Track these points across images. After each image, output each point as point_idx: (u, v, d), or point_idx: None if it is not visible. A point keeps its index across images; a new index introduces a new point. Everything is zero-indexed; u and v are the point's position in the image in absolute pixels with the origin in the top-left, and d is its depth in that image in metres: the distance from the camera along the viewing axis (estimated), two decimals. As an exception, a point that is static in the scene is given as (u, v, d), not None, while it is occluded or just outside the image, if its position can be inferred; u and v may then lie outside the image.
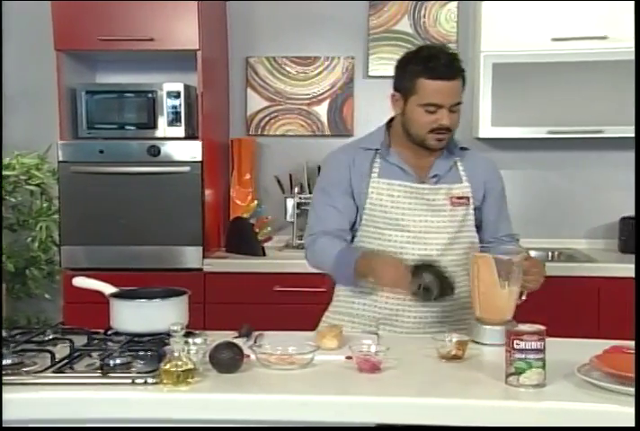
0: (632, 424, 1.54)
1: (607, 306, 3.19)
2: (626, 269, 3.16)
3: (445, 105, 2.09)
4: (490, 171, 2.31)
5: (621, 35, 3.28)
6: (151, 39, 3.29)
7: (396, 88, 2.18)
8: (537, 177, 3.76)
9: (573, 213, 3.76)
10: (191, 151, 3.31)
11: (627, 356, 1.76)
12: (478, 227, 2.28)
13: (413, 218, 2.18)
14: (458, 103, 2.13)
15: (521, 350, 1.63)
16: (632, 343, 1.83)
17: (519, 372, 1.63)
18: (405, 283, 2.01)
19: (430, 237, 2.18)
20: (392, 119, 2.28)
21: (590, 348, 1.79)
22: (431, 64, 2.07)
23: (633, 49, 3.24)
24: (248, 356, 1.79)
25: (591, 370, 1.66)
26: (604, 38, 3.28)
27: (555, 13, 3.32)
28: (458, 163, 2.26)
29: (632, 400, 1.55)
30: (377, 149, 2.22)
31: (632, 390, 1.56)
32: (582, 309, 3.19)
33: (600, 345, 1.87)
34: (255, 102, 3.78)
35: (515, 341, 1.63)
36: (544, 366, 1.64)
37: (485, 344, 1.98)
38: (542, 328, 1.66)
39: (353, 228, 2.24)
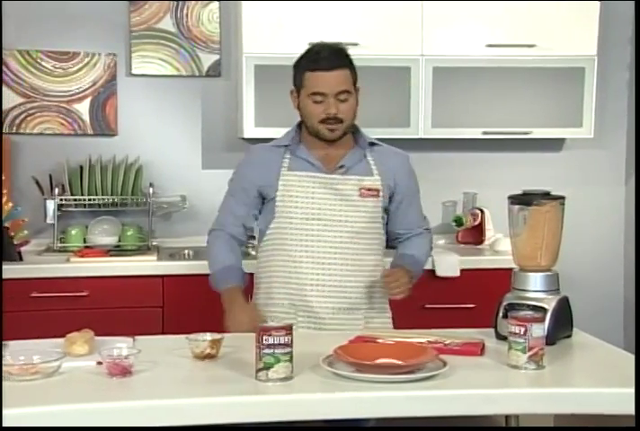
0: (375, 409, 1.64)
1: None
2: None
3: (328, 93, 2.24)
4: (400, 165, 2.42)
5: (548, 44, 3.51)
6: None
7: (294, 85, 2.34)
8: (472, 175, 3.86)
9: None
10: None
11: (367, 345, 1.87)
12: (388, 220, 2.40)
13: (324, 207, 2.30)
14: (344, 92, 2.26)
15: (269, 345, 1.67)
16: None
17: (267, 366, 1.67)
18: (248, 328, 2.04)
19: (341, 225, 2.30)
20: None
21: (337, 339, 1.89)
22: (313, 58, 2.28)
23: (558, 57, 3.51)
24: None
25: (334, 361, 1.74)
26: (532, 46, 3.50)
27: (488, 19, 3.48)
28: (369, 157, 2.37)
29: (368, 385, 1.65)
30: (286, 145, 2.35)
31: (370, 376, 1.66)
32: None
33: (347, 335, 1.98)
34: (9, 98, 3.55)
35: (264, 337, 1.67)
36: (291, 360, 1.69)
37: None
38: (290, 323, 1.72)
39: (257, 220, 2.39)
